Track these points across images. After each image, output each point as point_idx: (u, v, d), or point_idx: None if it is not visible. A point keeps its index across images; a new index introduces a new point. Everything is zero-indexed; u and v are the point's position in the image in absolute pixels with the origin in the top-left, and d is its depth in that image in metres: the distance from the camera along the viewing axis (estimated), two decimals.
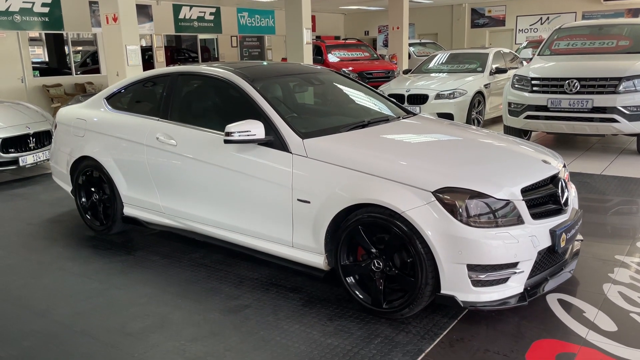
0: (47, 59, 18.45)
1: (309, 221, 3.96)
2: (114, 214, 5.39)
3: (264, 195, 4.19)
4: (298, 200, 3.98)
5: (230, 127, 4.08)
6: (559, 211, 3.84)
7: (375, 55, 16.74)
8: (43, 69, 16.49)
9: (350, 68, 15.05)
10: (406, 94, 10.80)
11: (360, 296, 3.83)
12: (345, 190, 3.76)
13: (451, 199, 3.44)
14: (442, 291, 3.51)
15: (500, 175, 3.67)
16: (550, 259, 3.81)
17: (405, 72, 13.00)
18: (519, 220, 3.54)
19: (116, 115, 5.36)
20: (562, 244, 3.72)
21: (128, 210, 5.28)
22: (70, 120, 5.72)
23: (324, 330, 3.62)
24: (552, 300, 3.93)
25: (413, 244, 3.48)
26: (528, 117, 8.68)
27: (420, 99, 10.64)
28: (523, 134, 9.29)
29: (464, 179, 3.56)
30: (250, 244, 4.41)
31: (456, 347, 3.41)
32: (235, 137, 4.07)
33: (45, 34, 18.46)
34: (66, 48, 17.16)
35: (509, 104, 8.97)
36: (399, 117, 5.01)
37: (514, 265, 3.50)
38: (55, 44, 17.72)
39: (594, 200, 6.26)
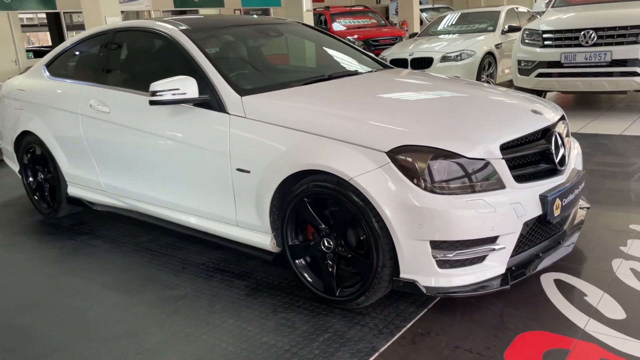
0: (51, 43, 18.26)
1: (251, 194, 3.30)
2: (60, 195, 4.80)
3: (202, 166, 3.53)
4: (237, 170, 3.32)
5: (155, 85, 3.42)
6: (552, 172, 3.10)
7: (383, 22, 15.85)
8: (41, 51, 16.07)
9: (356, 36, 14.22)
10: (409, 58, 10.00)
11: (311, 282, 3.16)
12: (287, 156, 3.08)
13: (410, 161, 2.74)
14: (401, 275, 2.82)
15: (475, 129, 2.95)
16: (542, 232, 3.09)
17: (412, 35, 12.16)
18: (498, 184, 2.82)
19: (55, 83, 4.75)
20: (556, 213, 2.99)
21: (72, 190, 4.69)
22: (11, 92, 5.13)
23: (262, 325, 2.98)
24: (547, 281, 3.22)
25: (365, 217, 2.80)
26: (540, 75, 7.83)
27: (424, 63, 9.83)
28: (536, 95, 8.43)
29: (427, 135, 2.84)
30: (194, 224, 3.77)
31: (419, 343, 2.73)
32: (162, 96, 3.41)
33: (47, 18, 18.08)
34: (64, 30, 16.75)
35: (519, 61, 8.13)
36: (371, 71, 4.28)
37: (492, 240, 2.79)
38: (57, 27, 17.41)
39: (610, 164, 5.46)
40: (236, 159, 3.32)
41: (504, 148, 2.89)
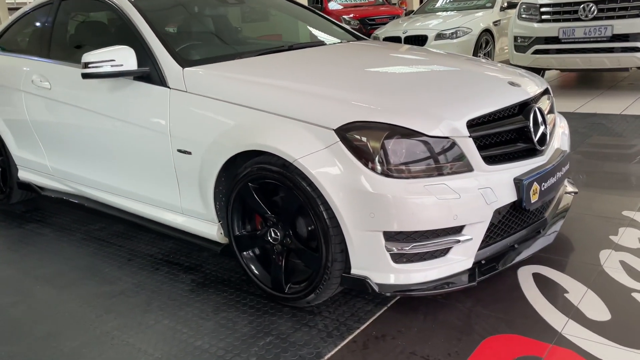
0: None
1: (194, 179, 2.94)
2: (12, 180, 4.45)
3: (143, 148, 3.18)
4: (178, 151, 2.96)
5: (88, 56, 3.06)
6: (530, 153, 2.73)
7: (381, 1, 15.36)
8: None
9: (352, 15, 13.76)
10: (402, 36, 9.57)
11: (258, 277, 2.81)
12: (230, 135, 2.72)
13: (361, 140, 2.37)
14: (352, 271, 2.46)
15: (439, 104, 2.57)
16: (518, 220, 2.72)
17: (408, 13, 11.69)
18: (464, 167, 2.45)
19: (1, 58, 4.38)
20: (534, 198, 2.61)
21: (22, 175, 4.34)
22: None
23: (199, 327, 2.63)
24: (525, 275, 2.85)
25: (313, 205, 2.44)
26: (537, 51, 7.41)
27: (418, 41, 9.39)
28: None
29: (383, 110, 2.46)
30: (140, 212, 3.42)
31: (371, 348, 2.38)
32: (96, 69, 3.04)
33: None
34: None
35: (515, 38, 7.70)
36: (340, 43, 3.89)
37: (457, 230, 2.43)
38: None
39: (606, 145, 5.06)
40: (177, 139, 2.96)
41: (472, 125, 2.52)
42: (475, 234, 2.47)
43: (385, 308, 2.67)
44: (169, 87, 3.01)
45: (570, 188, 3.37)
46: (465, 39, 9.30)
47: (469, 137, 2.47)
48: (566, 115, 5.89)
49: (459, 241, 2.43)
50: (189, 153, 2.91)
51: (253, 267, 2.83)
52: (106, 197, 3.64)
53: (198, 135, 2.86)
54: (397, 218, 2.32)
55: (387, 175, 2.34)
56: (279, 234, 2.68)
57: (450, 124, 2.45)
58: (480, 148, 2.51)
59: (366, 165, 2.35)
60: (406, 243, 2.37)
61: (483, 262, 2.57)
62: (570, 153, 3.00)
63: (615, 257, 2.97)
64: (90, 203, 3.82)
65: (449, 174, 2.41)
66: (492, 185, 2.49)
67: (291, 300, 2.71)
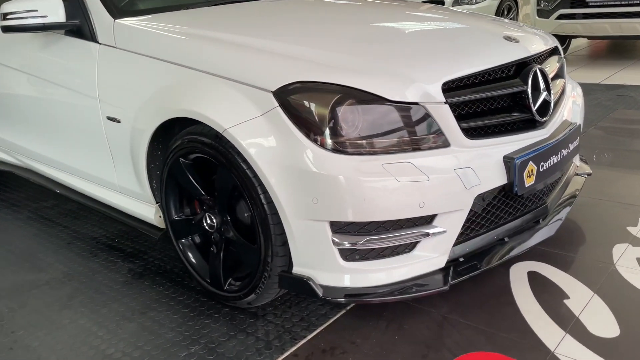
0: None
1: (126, 152, 2.47)
2: None
3: (74, 114, 2.72)
4: (108, 118, 2.49)
5: (8, 6, 2.59)
6: (528, 124, 2.19)
7: None
8: None
9: None
10: None
11: (196, 269, 2.35)
12: (158, 99, 2.24)
13: (305, 105, 1.86)
14: (294, 269, 1.97)
15: (408, 61, 2.04)
16: (509, 208, 2.19)
17: None
18: (437, 141, 1.93)
19: None
20: (529, 182, 2.08)
21: None
22: None
23: (118, 329, 2.19)
24: (518, 274, 2.34)
25: (248, 186, 1.95)
26: (561, 16, 6.74)
27: None
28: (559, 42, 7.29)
29: (334, 68, 1.95)
30: (81, 189, 2.98)
31: None
32: (18, 20, 2.57)
33: None
34: None
35: (538, 1, 7.03)
36: None
37: (426, 221, 1.92)
38: None
39: (632, 120, 4.46)
40: (106, 105, 2.49)
41: (451, 89, 1.99)
42: (450, 225, 1.96)
43: (343, 312, 2.20)
44: (98, 43, 2.53)
45: (582, 168, 2.82)
46: (485, 4, 8.63)
47: (445, 103, 1.94)
48: (591, 86, 5.28)
49: (428, 234, 1.93)
50: (118, 121, 2.44)
51: (191, 255, 2.38)
52: (50, 171, 3.20)
53: (126, 100, 2.39)
54: (346, 205, 1.82)
55: (335, 151, 1.83)
56: (215, 220, 2.20)
57: (421, 87, 1.93)
58: (460, 118, 1.99)
59: (309, 137, 1.85)
60: (358, 236, 1.88)
61: (462, 259, 2.07)
62: (579, 126, 2.44)
63: (632, 253, 2.44)
64: (36, 178, 3.39)
65: (416, 149, 1.90)
66: (474, 165, 1.97)
67: (231, 300, 2.24)
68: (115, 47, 2.46)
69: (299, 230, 1.90)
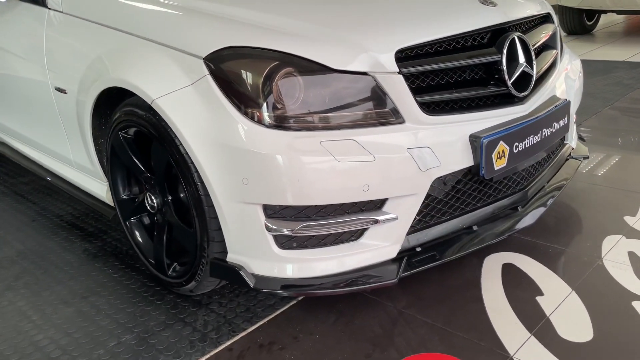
0: None
1: (75, 125, 2.31)
2: None
3: (27, 85, 2.57)
4: (56, 89, 2.33)
5: None
6: (505, 100, 1.94)
7: None
8: None
9: None
10: None
11: (142, 250, 2.19)
12: (96, 67, 2.06)
13: (236, 73, 1.65)
14: (229, 257, 1.79)
15: (357, 25, 1.81)
16: (478, 193, 1.96)
17: None
18: (388, 116, 1.70)
19: None
20: (499, 164, 1.85)
21: None
22: None
23: (54, 314, 2.07)
24: (492, 266, 2.11)
25: (180, 163, 1.76)
26: None
27: None
28: (586, 19, 6.90)
29: (272, 32, 1.73)
30: (42, 163, 2.85)
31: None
32: None
33: None
34: None
35: None
36: None
37: (375, 206, 1.71)
38: None
39: None
40: (54, 74, 2.33)
41: (407, 57, 1.75)
42: (402, 211, 1.75)
43: (292, 304, 2.01)
44: (47, 8, 2.36)
45: (578, 151, 2.55)
46: None
47: (399, 73, 1.71)
48: (614, 64, 4.93)
49: (376, 221, 1.72)
50: (65, 92, 2.27)
51: (138, 236, 2.21)
52: (18, 145, 3.08)
53: (70, 69, 2.22)
54: (277, 187, 1.62)
55: (268, 126, 1.63)
56: (155, 201, 2.03)
57: (371, 54, 1.70)
58: (418, 91, 1.76)
59: (240, 109, 1.65)
60: (295, 222, 1.68)
61: (419, 249, 1.84)
62: (568, 103, 2.17)
63: (624, 246, 2.18)
64: (8, 152, 3.28)
65: (362, 126, 1.68)
66: (433, 144, 1.74)
67: (175, 286, 2.08)
68: (62, 12, 2.29)
69: (230, 213, 1.71)
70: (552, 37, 2.32)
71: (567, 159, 2.47)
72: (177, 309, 2.04)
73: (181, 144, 1.75)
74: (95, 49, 2.08)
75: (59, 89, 2.30)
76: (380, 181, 1.67)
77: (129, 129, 2.01)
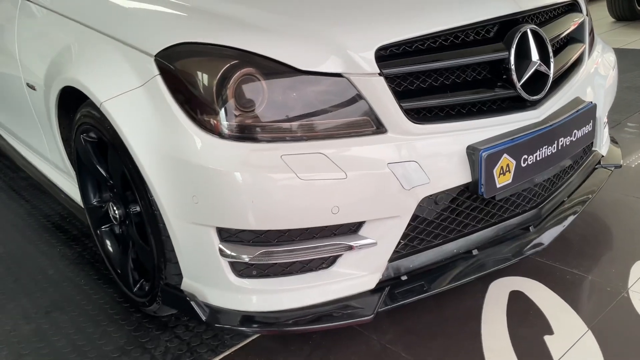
0: None
1: (46, 123, 2.14)
2: None
3: (5, 79, 2.41)
4: (27, 85, 2.16)
5: None
6: (514, 104, 1.66)
7: None
8: None
9: None
10: None
11: (110, 266, 2.00)
12: (57, 63, 1.87)
13: (190, 73, 1.42)
14: (184, 282, 1.57)
15: (332, 18, 1.54)
16: (479, 212, 1.68)
17: None
18: (366, 125, 1.45)
19: None
20: (502, 181, 1.57)
21: None
22: None
23: (12, 330, 1.94)
24: (499, 293, 1.85)
25: (132, 173, 1.56)
26: None
27: None
28: (637, 4, 6.37)
29: (234, 27, 1.49)
30: (29, 159, 2.70)
31: None
32: None
33: None
34: None
35: None
36: None
37: (350, 229, 1.46)
38: None
39: None
40: (25, 68, 2.17)
41: (391, 56, 1.49)
42: (382, 235, 1.50)
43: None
44: None
45: (610, 158, 2.23)
46: None
47: (379, 75, 1.45)
48: None
49: (351, 247, 1.47)
50: (34, 89, 2.09)
51: (108, 244, 2.02)
52: (10, 140, 2.95)
53: (36, 64, 2.05)
54: (228, 208, 1.39)
55: (222, 136, 1.40)
56: (117, 211, 1.83)
57: (347, 53, 1.44)
58: (405, 95, 1.49)
59: (191, 116, 1.42)
60: (253, 247, 1.44)
61: (404, 278, 1.59)
62: (593, 106, 1.86)
63: None
64: (6, 146, 3.16)
65: (333, 136, 1.43)
66: (421, 158, 1.48)
67: (140, 305, 1.88)
68: (30, 1, 2.10)
69: (182, 235, 1.49)
70: (579, 28, 2.00)
71: (595, 168, 2.15)
72: (140, 331, 1.84)
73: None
74: (58, 43, 1.90)
75: (29, 85, 2.14)
76: (352, 202, 1.42)
77: (90, 132, 1.81)
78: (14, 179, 3.33)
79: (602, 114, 2.07)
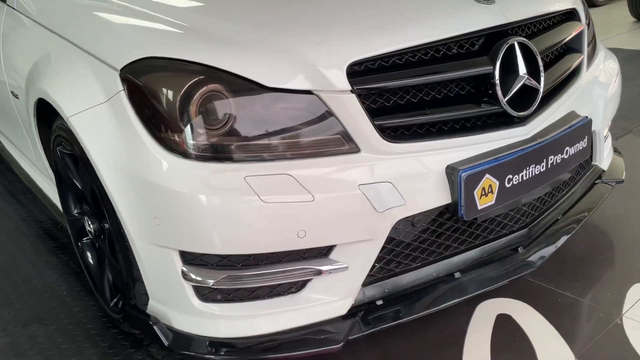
0: None
1: (29, 129, 2.11)
2: None
3: None
4: (12, 93, 2.14)
5: None
6: (501, 119, 1.58)
7: None
8: None
9: None
10: None
11: (91, 280, 1.97)
12: (34, 73, 1.83)
13: (153, 89, 1.37)
14: (149, 304, 1.53)
15: (302, 31, 1.47)
16: (461, 234, 1.61)
17: None
18: (338, 144, 1.38)
19: None
20: (484, 202, 1.50)
21: None
22: None
23: None
24: (485, 316, 1.77)
25: (99, 188, 1.51)
26: None
27: None
28: None
29: (196, 40, 1.43)
30: (21, 163, 2.68)
31: None
32: None
33: None
34: None
35: None
36: None
37: (320, 252, 1.40)
38: None
39: None
40: (9, 76, 2.14)
41: (365, 71, 1.41)
42: (355, 259, 1.43)
43: None
44: (5, 3, 2.15)
45: (612, 173, 2.13)
46: None
47: (351, 92, 1.38)
48: None
49: (320, 272, 1.40)
50: (17, 97, 2.07)
51: (89, 256, 1.99)
52: (6, 145, 2.94)
53: (17, 73, 2.02)
54: (189, 231, 1.33)
55: (185, 155, 1.34)
56: (92, 226, 1.79)
57: (317, 69, 1.37)
58: (379, 112, 1.42)
59: (153, 134, 1.37)
60: (217, 270, 1.39)
61: (380, 302, 1.52)
62: (589, 122, 1.76)
63: None
64: (2, 149, 3.15)
65: (302, 156, 1.36)
66: (396, 178, 1.41)
67: (116, 321, 1.84)
68: (14, 9, 2.07)
69: (145, 255, 1.45)
70: (577, 38, 1.90)
71: (594, 184, 2.05)
72: (113, 349, 1.80)
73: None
74: (36, 53, 1.86)
75: (13, 94, 2.11)
76: (320, 226, 1.36)
77: (65, 145, 1.77)
78: (14, 182, 3.32)
79: (601, 128, 1.97)
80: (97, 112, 1.46)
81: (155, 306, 1.51)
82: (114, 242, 1.56)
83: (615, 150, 2.30)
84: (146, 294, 1.56)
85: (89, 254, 2.00)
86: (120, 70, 1.44)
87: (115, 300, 1.83)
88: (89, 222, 1.81)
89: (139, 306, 1.60)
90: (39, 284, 2.21)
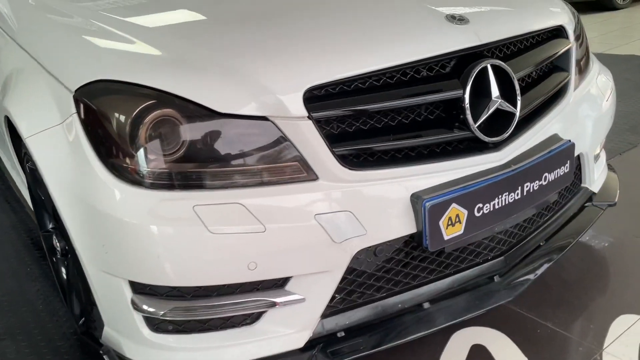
0: None
1: (5, 143, 2.10)
2: None
3: None
4: None
5: None
6: (473, 145, 1.51)
7: None
8: None
9: None
10: None
11: (63, 297, 1.96)
12: (3, 89, 1.81)
13: (105, 113, 1.34)
14: (104, 331, 1.49)
15: (260, 54, 1.42)
16: (428, 263, 1.54)
17: None
18: (294, 172, 1.33)
19: None
20: (451, 233, 1.44)
21: None
22: None
23: None
24: (459, 347, 1.71)
25: (55, 210, 1.49)
26: None
27: None
28: None
29: (154, 63, 1.39)
30: (9, 169, 2.68)
31: None
32: None
33: None
34: None
35: None
36: None
37: (275, 284, 1.35)
38: None
39: None
40: None
41: (323, 97, 1.36)
42: (312, 291, 1.38)
43: None
44: None
45: (603, 196, 2.04)
46: None
47: (308, 118, 1.32)
48: None
49: (274, 304, 1.35)
50: None
51: (63, 272, 1.97)
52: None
53: None
54: (135, 261, 1.29)
55: (133, 182, 1.30)
56: (59, 244, 1.76)
57: (272, 95, 1.32)
58: (339, 139, 1.36)
59: (103, 159, 1.33)
60: (167, 301, 1.35)
61: (341, 334, 1.46)
62: (571, 145, 1.68)
63: (637, 333, 1.68)
64: None
65: (256, 184, 1.31)
66: (356, 207, 1.36)
67: (82, 341, 1.81)
68: None
69: (97, 281, 1.41)
70: (564, 56, 1.82)
71: (584, 206, 1.96)
72: None
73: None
74: (5, 70, 1.84)
75: None
76: (272, 258, 1.31)
77: (32, 162, 1.74)
78: (10, 187, 3.32)
79: (590, 149, 1.89)
80: (52, 134, 1.43)
81: (109, 333, 1.48)
82: (70, 265, 1.53)
83: (610, 168, 2.21)
84: (102, 320, 1.52)
85: (63, 270, 1.97)
86: (75, 91, 1.40)
87: (83, 319, 1.80)
88: (57, 240, 1.78)
89: (97, 331, 1.57)
90: (18, 296, 2.20)
